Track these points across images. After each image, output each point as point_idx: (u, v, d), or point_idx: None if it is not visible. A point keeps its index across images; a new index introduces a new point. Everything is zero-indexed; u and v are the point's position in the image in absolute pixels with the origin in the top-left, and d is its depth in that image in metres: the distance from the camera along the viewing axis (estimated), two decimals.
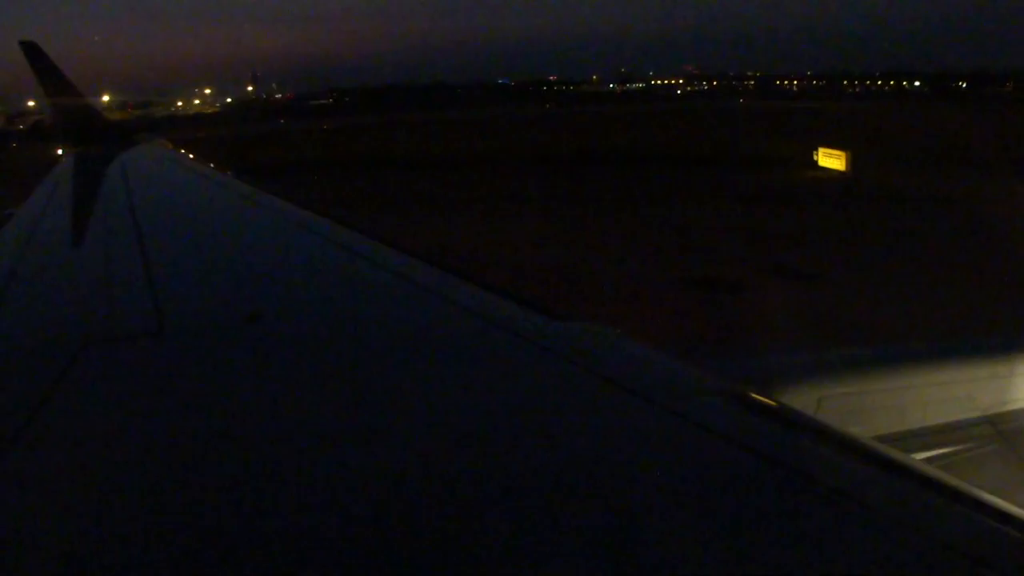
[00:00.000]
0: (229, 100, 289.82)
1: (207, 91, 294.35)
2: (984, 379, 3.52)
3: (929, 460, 2.77)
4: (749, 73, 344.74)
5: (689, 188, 45.74)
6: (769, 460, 1.49)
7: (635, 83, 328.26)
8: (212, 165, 7.33)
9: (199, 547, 1.25)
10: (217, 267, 3.32)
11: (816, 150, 57.70)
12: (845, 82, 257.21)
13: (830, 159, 55.91)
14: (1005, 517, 1.39)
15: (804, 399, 3.12)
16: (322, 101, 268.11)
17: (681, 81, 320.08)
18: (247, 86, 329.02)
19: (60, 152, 10.44)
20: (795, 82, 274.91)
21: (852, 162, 53.47)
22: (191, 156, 8.38)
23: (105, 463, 1.55)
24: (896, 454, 1.69)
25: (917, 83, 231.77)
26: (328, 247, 3.67)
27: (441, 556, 1.21)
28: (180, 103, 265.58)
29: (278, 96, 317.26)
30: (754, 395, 1.93)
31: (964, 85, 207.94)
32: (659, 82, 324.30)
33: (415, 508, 1.32)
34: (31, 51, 8.58)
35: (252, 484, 1.43)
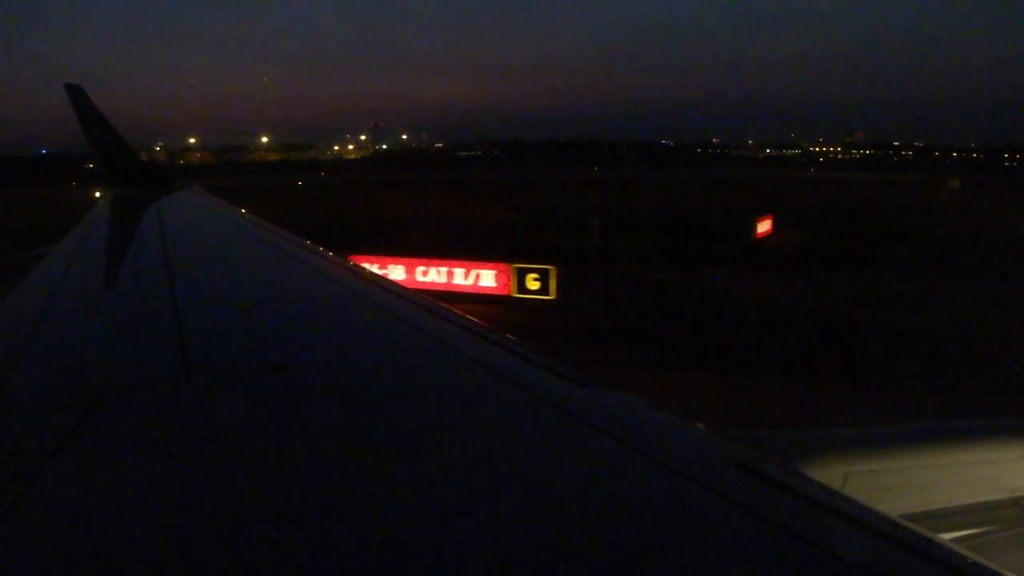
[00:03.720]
0: (385, 146, 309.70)
1: (362, 137, 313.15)
2: (1012, 460, 3.50)
3: (954, 541, 2.65)
4: (916, 144, 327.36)
5: None
6: (795, 536, 1.49)
7: (792, 149, 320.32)
8: (249, 214, 7.36)
9: None
10: (248, 317, 3.37)
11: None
12: (1006, 156, 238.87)
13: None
14: None
15: (831, 474, 3.12)
16: (471, 152, 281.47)
17: (839, 149, 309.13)
18: (401, 135, 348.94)
19: (97, 195, 10.57)
20: (953, 153, 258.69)
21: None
22: (229, 204, 8.35)
23: (123, 509, 1.56)
24: (925, 533, 1.68)
25: None
26: (361, 302, 3.73)
27: None
28: (336, 147, 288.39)
29: (438, 146, 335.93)
30: (780, 468, 1.97)
31: None
32: (816, 149, 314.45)
33: (435, 569, 1.34)
34: (75, 94, 8.63)
35: (272, 535, 1.44)
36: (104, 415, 2.07)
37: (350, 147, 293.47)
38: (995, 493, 3.42)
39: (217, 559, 1.36)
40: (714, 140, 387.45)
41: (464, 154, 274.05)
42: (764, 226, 47.33)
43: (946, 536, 2.85)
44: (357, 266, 4.50)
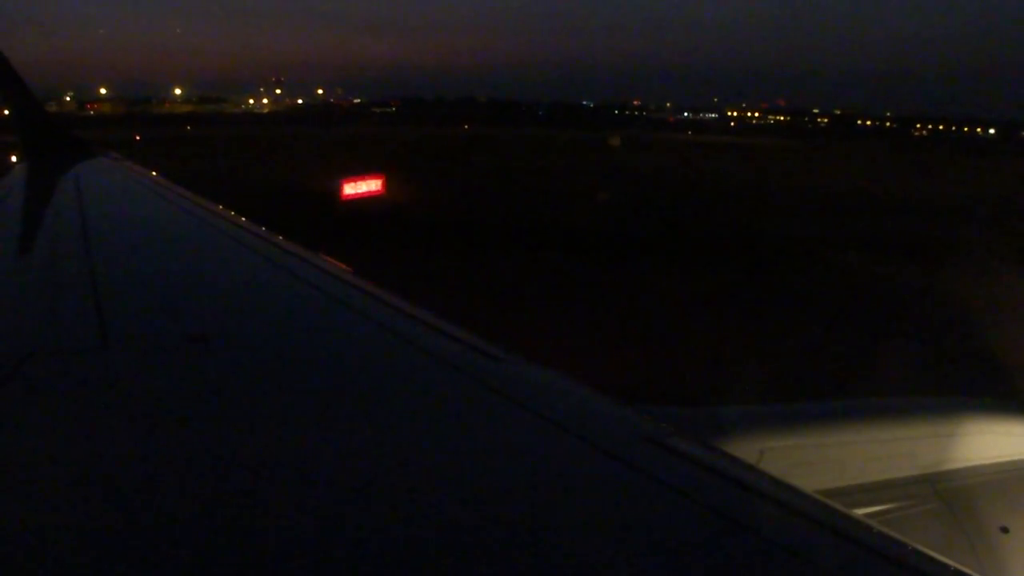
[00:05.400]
0: (300, 101, 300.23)
1: (277, 91, 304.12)
2: (925, 437, 3.54)
3: (867, 516, 2.61)
4: (835, 111, 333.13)
5: None
6: (707, 509, 1.48)
7: (708, 113, 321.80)
8: (170, 180, 7.15)
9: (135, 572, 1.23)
10: (166, 287, 3.23)
11: None
12: (918, 125, 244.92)
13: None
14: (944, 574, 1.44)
15: (747, 450, 3.11)
16: (386, 109, 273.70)
17: (757, 115, 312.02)
18: (316, 89, 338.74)
19: (13, 160, 10.15)
20: (868, 122, 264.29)
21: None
22: (148, 171, 8.13)
23: (36, 480, 1.52)
24: (837, 508, 1.68)
25: (992, 131, 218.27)
26: (281, 271, 3.62)
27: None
28: (251, 100, 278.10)
29: (356, 101, 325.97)
30: (694, 443, 1.94)
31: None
32: (732, 113, 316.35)
33: (357, 533, 1.33)
34: None
35: (188, 505, 1.42)
36: (18, 384, 2.04)
37: (264, 101, 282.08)
38: (907, 470, 3.47)
39: (132, 531, 1.33)
40: (635, 102, 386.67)
41: (379, 110, 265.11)
42: (361, 187, 44.65)
43: (858, 512, 2.80)
44: (277, 236, 4.31)
